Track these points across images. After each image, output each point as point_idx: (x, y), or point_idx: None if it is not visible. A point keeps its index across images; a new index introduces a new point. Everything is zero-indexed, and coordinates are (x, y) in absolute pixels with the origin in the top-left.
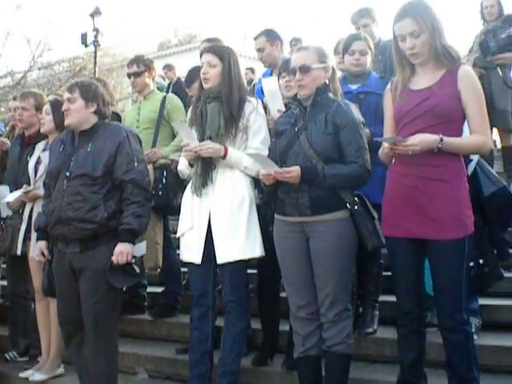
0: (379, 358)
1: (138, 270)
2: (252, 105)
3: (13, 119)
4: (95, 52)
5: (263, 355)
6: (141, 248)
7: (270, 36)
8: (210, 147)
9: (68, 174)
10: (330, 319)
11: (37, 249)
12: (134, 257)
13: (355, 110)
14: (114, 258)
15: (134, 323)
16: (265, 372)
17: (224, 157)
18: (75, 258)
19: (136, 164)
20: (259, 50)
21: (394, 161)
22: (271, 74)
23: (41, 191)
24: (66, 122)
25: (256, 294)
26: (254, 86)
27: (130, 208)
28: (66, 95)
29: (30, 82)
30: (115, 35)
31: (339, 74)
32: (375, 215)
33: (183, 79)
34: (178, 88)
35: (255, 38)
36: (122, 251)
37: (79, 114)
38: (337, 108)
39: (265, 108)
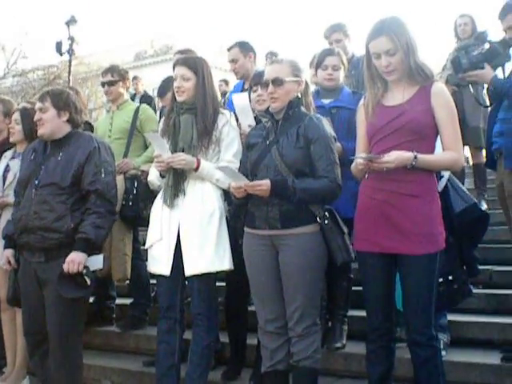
0: (347, 372)
1: (88, 282)
2: (225, 117)
3: None
4: (70, 61)
5: (233, 369)
6: (97, 261)
7: (244, 48)
8: (182, 159)
9: (37, 182)
10: (299, 333)
11: (4, 257)
12: (86, 267)
13: (327, 125)
14: (64, 266)
15: (101, 335)
16: None
17: (196, 169)
18: (40, 268)
19: (103, 175)
20: (232, 61)
21: (367, 176)
22: (243, 86)
23: (10, 199)
24: (39, 133)
25: (224, 307)
26: (227, 98)
27: (89, 218)
28: (38, 105)
29: (3, 90)
30: (91, 44)
31: (312, 88)
32: (345, 230)
33: (153, 92)
34: (146, 101)
35: (229, 49)
36: (74, 260)
37: (52, 124)
38: (308, 122)
39: (236, 120)
